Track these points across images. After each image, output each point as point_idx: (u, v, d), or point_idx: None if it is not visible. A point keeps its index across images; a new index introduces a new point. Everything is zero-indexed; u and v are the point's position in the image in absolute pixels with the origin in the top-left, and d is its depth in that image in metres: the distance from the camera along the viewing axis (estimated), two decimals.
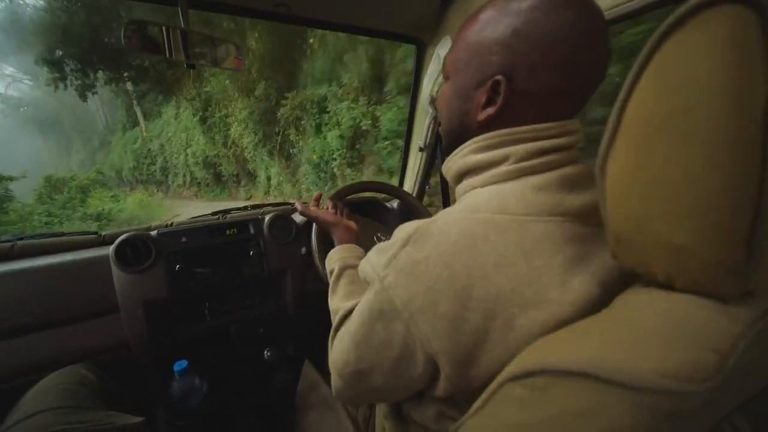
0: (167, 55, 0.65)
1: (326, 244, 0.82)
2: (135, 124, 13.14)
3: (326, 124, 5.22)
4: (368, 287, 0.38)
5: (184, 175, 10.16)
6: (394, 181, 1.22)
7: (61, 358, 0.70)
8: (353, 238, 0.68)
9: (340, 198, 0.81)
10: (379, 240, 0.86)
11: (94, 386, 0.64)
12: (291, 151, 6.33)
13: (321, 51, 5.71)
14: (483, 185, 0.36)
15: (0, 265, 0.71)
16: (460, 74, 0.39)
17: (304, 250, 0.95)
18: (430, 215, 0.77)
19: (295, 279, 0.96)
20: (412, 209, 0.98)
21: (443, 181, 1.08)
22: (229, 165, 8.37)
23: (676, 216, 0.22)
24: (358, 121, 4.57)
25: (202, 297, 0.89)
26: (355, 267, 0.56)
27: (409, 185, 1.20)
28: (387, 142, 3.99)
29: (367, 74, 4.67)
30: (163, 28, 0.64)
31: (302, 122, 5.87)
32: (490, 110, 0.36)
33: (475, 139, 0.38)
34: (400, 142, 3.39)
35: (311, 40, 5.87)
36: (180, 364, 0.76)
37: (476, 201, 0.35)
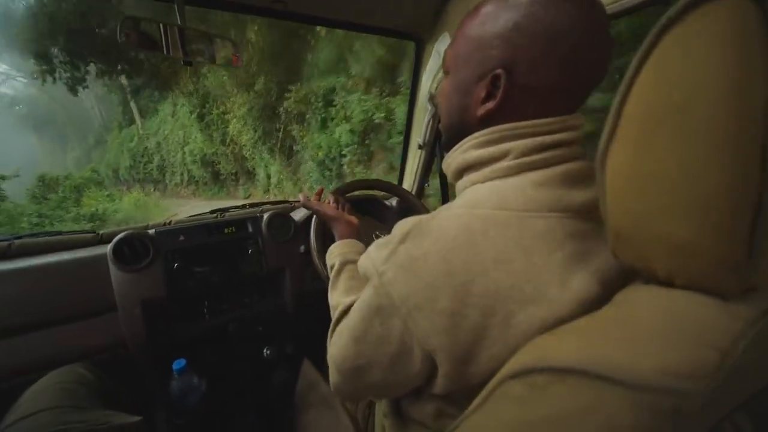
0: (165, 52, 0.65)
1: (325, 243, 0.82)
2: (131, 121, 13.03)
3: (333, 119, 4.94)
4: (367, 283, 0.37)
5: (182, 174, 10.11)
6: None
7: (59, 358, 0.70)
8: (354, 233, 0.67)
9: (341, 194, 0.81)
10: (378, 238, 0.86)
11: (92, 385, 0.63)
12: (294, 147, 6.09)
13: (327, 40, 5.35)
14: (483, 181, 0.36)
15: None
16: (461, 69, 0.38)
17: (302, 248, 0.95)
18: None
19: (294, 277, 0.96)
20: (411, 207, 0.97)
21: (442, 178, 1.08)
22: (228, 163, 8.31)
23: (676, 212, 0.22)
24: (370, 114, 4.24)
25: (201, 296, 0.88)
26: (355, 262, 0.56)
27: (408, 183, 1.20)
28: (402, 137, 3.68)
29: (379, 63, 4.31)
30: (161, 25, 0.64)
31: (307, 117, 5.59)
32: (490, 105, 0.36)
33: (475, 134, 0.38)
34: None
35: (318, 28, 5.38)
36: (179, 363, 0.76)
37: (476, 197, 0.34)
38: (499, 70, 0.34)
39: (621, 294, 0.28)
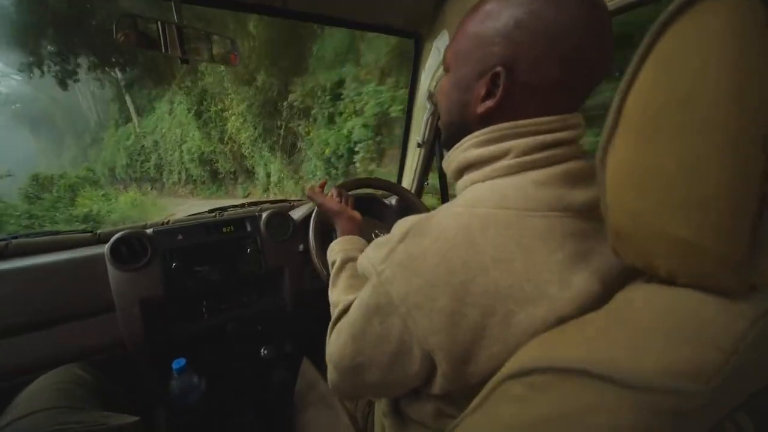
0: (163, 50, 0.64)
1: (324, 241, 0.82)
2: (128, 119, 12.94)
3: (341, 114, 4.61)
4: (367, 281, 0.37)
5: (179, 173, 10.06)
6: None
7: (56, 358, 0.70)
8: (356, 229, 0.67)
9: (344, 189, 0.80)
10: (377, 237, 0.85)
11: (89, 386, 0.63)
12: (299, 144, 5.84)
13: (336, 28, 4.71)
14: (483, 180, 0.36)
15: None
16: (461, 66, 0.38)
17: (301, 247, 0.95)
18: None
19: (293, 276, 0.95)
20: (411, 206, 0.97)
21: (441, 176, 1.07)
22: (226, 161, 8.26)
23: (676, 210, 0.22)
24: (386, 106, 3.87)
25: (199, 295, 0.88)
26: (356, 260, 0.55)
27: (408, 182, 1.20)
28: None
29: (395, 51, 3.88)
30: (159, 24, 0.63)
31: (313, 112, 5.26)
32: (490, 103, 0.36)
33: (475, 133, 0.38)
34: None
35: None
36: (178, 362, 0.76)
37: (476, 195, 0.34)
38: (499, 68, 0.34)
39: (622, 293, 0.28)
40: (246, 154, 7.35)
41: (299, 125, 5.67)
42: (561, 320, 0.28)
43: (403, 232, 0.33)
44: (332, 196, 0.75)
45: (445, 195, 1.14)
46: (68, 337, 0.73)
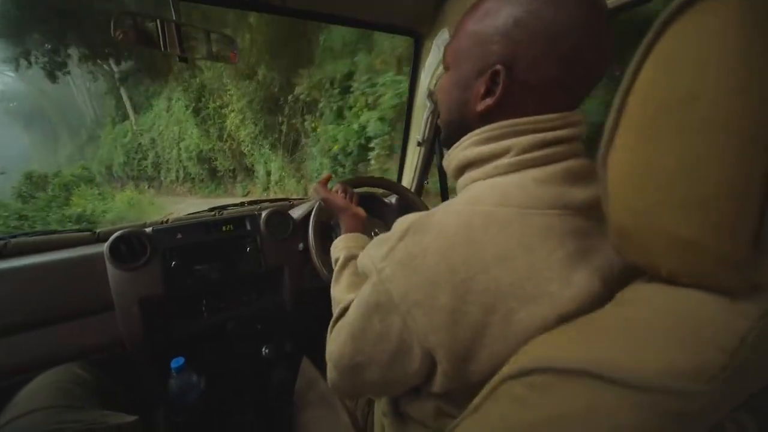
0: (162, 48, 0.64)
1: (324, 240, 0.82)
2: (125, 117, 12.82)
3: (350, 107, 4.28)
4: (367, 279, 0.37)
5: (177, 171, 10.00)
6: None
7: (55, 357, 0.69)
8: (360, 226, 0.66)
9: (350, 185, 0.79)
10: (377, 235, 0.85)
11: (88, 385, 0.63)
12: (300, 141, 5.54)
13: None
14: (484, 178, 0.36)
15: None
16: (461, 64, 0.38)
17: (301, 246, 0.95)
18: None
19: (293, 275, 0.95)
20: (411, 205, 0.97)
21: (442, 175, 1.07)
22: (225, 159, 8.18)
23: (678, 209, 0.22)
24: (406, 97, 3.81)
25: (199, 294, 0.88)
26: None
27: (408, 180, 1.20)
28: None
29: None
30: (157, 21, 0.63)
31: (320, 106, 4.95)
32: (489, 101, 0.36)
33: (476, 131, 0.38)
34: None
35: None
36: (177, 361, 0.75)
37: (477, 193, 0.34)
38: (498, 66, 0.34)
39: (623, 292, 0.28)
40: (246, 151, 7.25)
41: (304, 121, 5.40)
42: (562, 318, 0.28)
43: (404, 230, 0.33)
44: (336, 191, 0.74)
45: (444, 193, 1.14)
46: (67, 336, 0.73)
